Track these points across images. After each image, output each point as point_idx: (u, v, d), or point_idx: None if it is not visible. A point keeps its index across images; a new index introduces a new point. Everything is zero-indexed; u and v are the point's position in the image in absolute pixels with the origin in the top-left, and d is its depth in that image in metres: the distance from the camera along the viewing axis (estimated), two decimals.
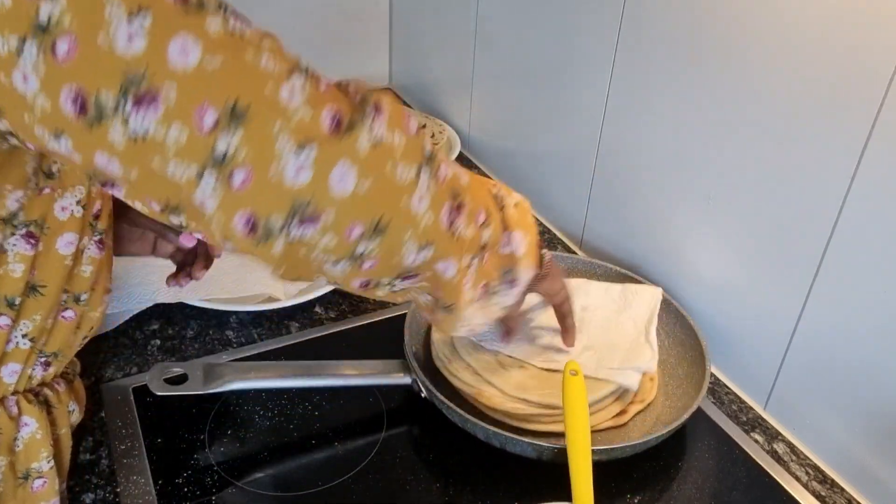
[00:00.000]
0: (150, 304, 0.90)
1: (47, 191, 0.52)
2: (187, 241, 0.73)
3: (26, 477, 0.60)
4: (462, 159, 1.35)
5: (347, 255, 0.51)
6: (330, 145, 0.46)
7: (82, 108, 0.40)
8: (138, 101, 0.41)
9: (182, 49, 0.41)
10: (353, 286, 0.55)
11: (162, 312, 0.92)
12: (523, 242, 0.63)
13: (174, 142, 0.42)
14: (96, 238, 0.60)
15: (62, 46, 0.39)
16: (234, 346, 0.89)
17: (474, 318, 0.64)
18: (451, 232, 0.55)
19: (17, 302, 0.54)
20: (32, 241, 0.53)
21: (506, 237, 0.62)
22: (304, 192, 0.46)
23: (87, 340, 0.65)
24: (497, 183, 0.67)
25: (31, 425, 0.59)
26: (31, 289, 0.55)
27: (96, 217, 0.59)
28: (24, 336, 0.56)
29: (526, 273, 0.65)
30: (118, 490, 0.70)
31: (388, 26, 1.59)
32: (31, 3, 0.38)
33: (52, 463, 0.61)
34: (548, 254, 0.70)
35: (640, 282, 0.93)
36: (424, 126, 1.35)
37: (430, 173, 0.52)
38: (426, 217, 0.52)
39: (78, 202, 0.55)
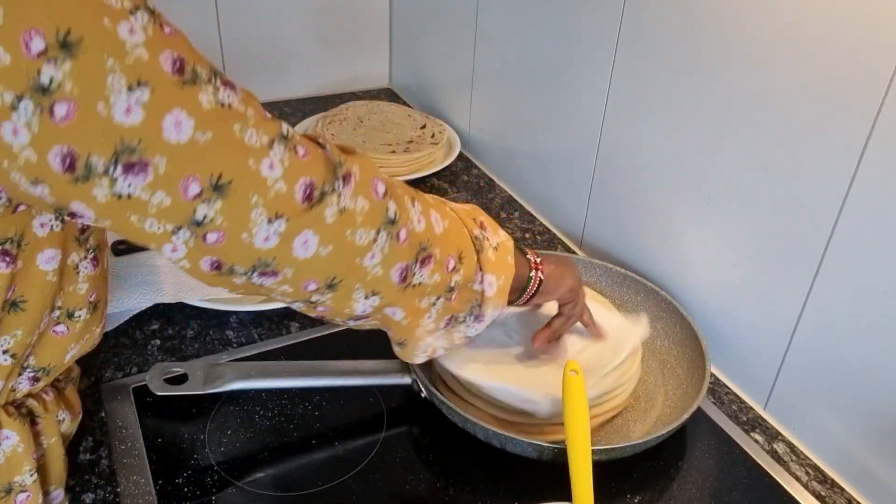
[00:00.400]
0: (150, 304, 0.90)
1: (22, 208, 0.51)
2: None
3: (9, 491, 0.59)
4: (462, 159, 1.35)
5: (302, 300, 0.58)
6: (299, 218, 0.51)
7: (70, 167, 0.42)
8: (128, 169, 0.43)
9: (176, 123, 0.43)
10: (312, 315, 0.62)
11: (162, 312, 0.92)
12: (495, 285, 0.67)
13: (156, 204, 0.45)
14: (91, 255, 0.60)
15: (60, 110, 0.39)
16: (234, 346, 0.89)
17: (436, 342, 0.69)
18: (404, 284, 0.60)
19: None
20: (8, 259, 0.52)
21: (479, 276, 0.66)
22: (268, 254, 0.51)
23: (83, 353, 0.65)
24: (484, 220, 0.70)
25: (13, 438, 0.58)
26: (11, 304, 0.54)
27: (82, 231, 0.58)
28: (3, 352, 0.55)
29: (492, 312, 0.69)
30: (118, 490, 0.70)
31: (388, 26, 1.59)
32: (33, 64, 0.38)
33: (36, 476, 0.60)
34: (537, 275, 0.71)
35: (640, 283, 0.93)
36: (424, 126, 1.35)
37: (389, 235, 0.57)
38: (375, 270, 0.57)
39: (57, 217, 0.55)
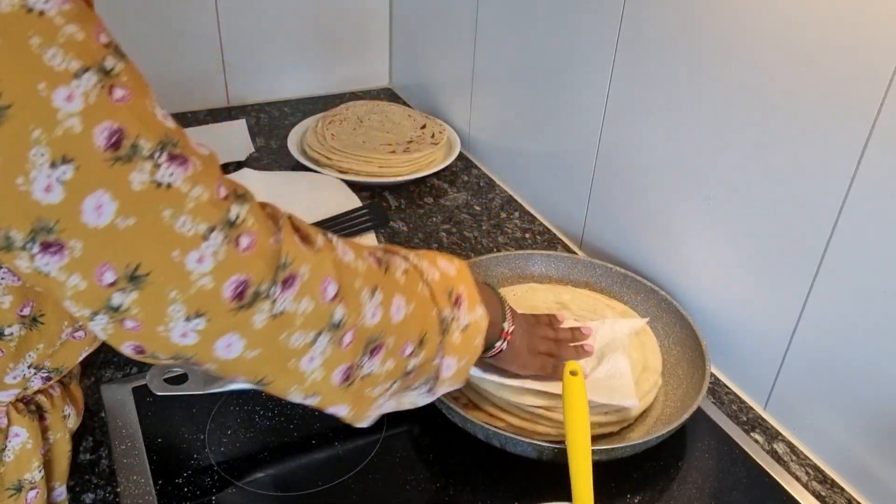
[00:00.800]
0: None
1: None
2: None
3: (19, 488, 0.59)
4: (462, 159, 1.35)
5: (235, 383, 0.54)
6: (223, 319, 0.47)
7: None
8: (45, 247, 0.41)
9: (96, 206, 0.41)
10: None
11: None
12: (453, 368, 0.64)
13: (73, 286, 0.43)
14: None
15: None
16: None
17: (385, 407, 0.63)
18: (347, 383, 0.55)
19: (12, 332, 0.54)
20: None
21: (439, 357, 0.62)
22: (188, 350, 0.48)
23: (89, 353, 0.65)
24: (464, 292, 0.64)
25: (22, 435, 0.59)
26: (31, 321, 0.54)
27: None
28: (29, 367, 0.56)
29: (445, 390, 0.66)
30: (118, 490, 0.70)
31: (388, 26, 1.59)
32: None
33: (43, 472, 0.61)
34: (501, 344, 0.70)
35: (640, 283, 0.93)
36: (424, 126, 1.35)
37: (331, 339, 0.52)
38: (315, 374, 0.53)
39: None
